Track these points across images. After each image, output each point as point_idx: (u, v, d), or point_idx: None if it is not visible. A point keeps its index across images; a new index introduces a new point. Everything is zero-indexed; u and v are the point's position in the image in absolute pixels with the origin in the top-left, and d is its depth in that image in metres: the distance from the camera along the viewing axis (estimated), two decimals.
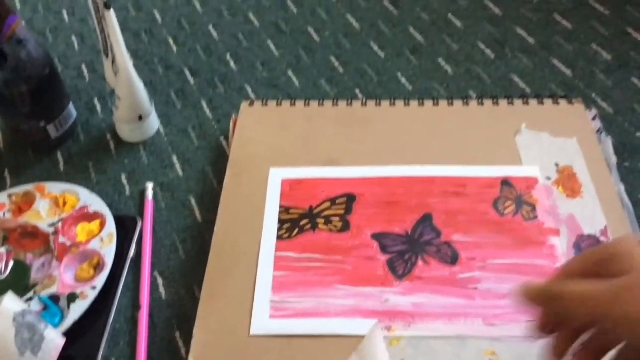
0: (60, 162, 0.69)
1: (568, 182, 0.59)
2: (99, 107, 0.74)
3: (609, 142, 0.63)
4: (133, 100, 0.65)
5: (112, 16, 0.58)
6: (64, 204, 0.62)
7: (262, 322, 0.52)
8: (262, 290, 0.55)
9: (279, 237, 0.58)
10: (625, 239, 0.37)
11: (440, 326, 0.51)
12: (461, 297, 0.53)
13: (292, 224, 0.59)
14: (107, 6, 0.57)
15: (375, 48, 0.79)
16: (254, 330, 0.52)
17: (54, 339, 0.50)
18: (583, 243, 0.55)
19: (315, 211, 0.60)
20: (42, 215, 0.61)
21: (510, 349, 0.50)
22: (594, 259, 0.38)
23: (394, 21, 0.82)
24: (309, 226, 0.59)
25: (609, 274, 0.35)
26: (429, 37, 0.80)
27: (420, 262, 0.55)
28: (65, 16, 0.87)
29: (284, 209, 0.60)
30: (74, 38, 0.83)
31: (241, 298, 0.54)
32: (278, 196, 0.61)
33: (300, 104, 0.69)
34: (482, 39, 0.79)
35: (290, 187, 0.62)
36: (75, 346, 0.53)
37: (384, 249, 0.57)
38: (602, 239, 0.55)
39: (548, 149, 0.62)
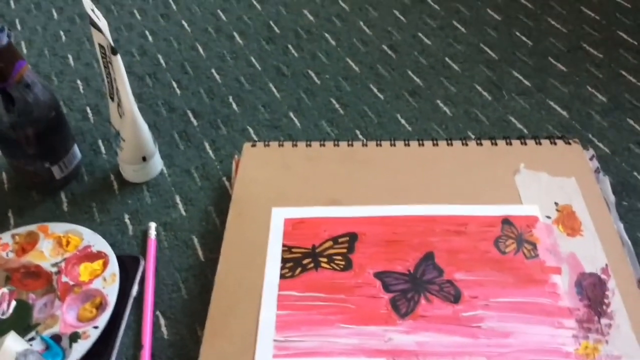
0: (63, 202, 0.69)
1: (568, 220, 0.60)
2: (103, 149, 0.75)
3: (606, 181, 0.64)
4: (137, 142, 0.66)
5: (118, 61, 0.60)
6: (67, 243, 0.62)
7: None
8: (265, 329, 0.54)
9: (282, 276, 0.58)
10: None
11: None
12: (465, 336, 0.53)
13: (294, 262, 0.59)
14: (113, 52, 0.59)
15: (375, 90, 0.80)
16: None
17: None
18: (584, 281, 0.55)
19: (318, 250, 0.60)
20: (45, 255, 0.61)
21: None
22: None
23: (393, 65, 0.84)
24: (311, 265, 0.59)
25: None
26: (427, 80, 0.81)
27: (423, 301, 0.55)
28: (71, 60, 0.89)
29: (287, 248, 0.60)
30: (78, 81, 0.85)
31: (244, 337, 0.54)
32: (281, 235, 0.62)
33: (301, 144, 0.70)
34: (479, 81, 0.81)
35: (292, 226, 0.62)
36: None
37: (386, 287, 0.57)
38: (603, 277, 0.55)
39: (547, 188, 0.63)
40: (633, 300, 0.54)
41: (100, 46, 0.61)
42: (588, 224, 0.59)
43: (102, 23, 0.58)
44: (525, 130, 0.73)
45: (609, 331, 0.52)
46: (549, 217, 0.60)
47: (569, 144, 0.68)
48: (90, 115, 0.80)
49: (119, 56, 0.59)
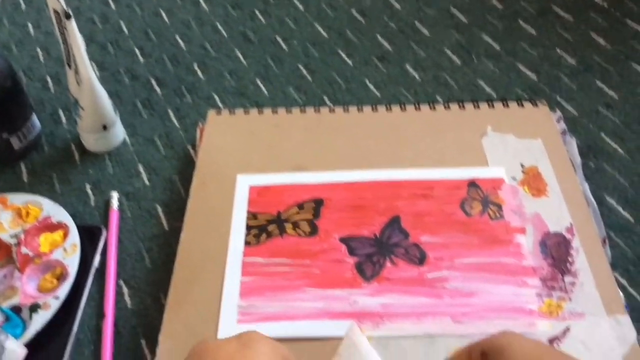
0: (23, 173, 0.67)
1: (533, 181, 0.60)
2: (63, 119, 0.73)
3: (573, 143, 0.64)
4: (96, 110, 0.64)
5: (73, 26, 0.58)
6: (27, 214, 0.61)
7: (230, 327, 0.52)
8: (229, 295, 0.54)
9: (247, 243, 0.58)
10: (505, 335, 0.39)
11: (408, 325, 0.51)
12: (429, 296, 0.53)
13: (259, 229, 0.59)
14: (67, 16, 0.57)
15: (344, 56, 0.79)
16: (221, 335, 0.51)
17: (15, 349, 0.49)
18: (549, 240, 0.55)
19: (283, 216, 0.59)
20: (4, 227, 0.59)
21: None
22: (478, 351, 0.39)
23: (362, 30, 0.83)
24: (276, 231, 0.58)
25: None
26: (397, 44, 0.80)
27: (388, 264, 0.55)
28: (31, 29, 0.86)
29: (252, 215, 0.60)
30: (38, 50, 0.82)
31: (208, 304, 0.53)
32: (245, 202, 0.61)
33: (268, 111, 0.69)
34: (448, 45, 0.80)
35: (257, 193, 0.61)
36: (38, 357, 0.51)
37: (352, 251, 0.56)
38: (568, 236, 0.55)
39: (513, 150, 0.63)
40: (597, 258, 0.54)
41: (55, 12, 0.59)
42: (553, 185, 0.59)
43: None
44: (494, 94, 0.72)
45: (572, 289, 0.52)
46: (514, 179, 0.60)
47: (537, 106, 0.67)
48: (50, 84, 0.77)
49: (73, 21, 0.57)
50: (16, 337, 0.51)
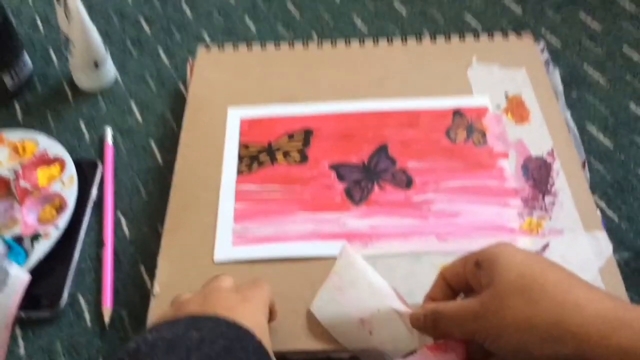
0: (17, 111, 0.68)
1: (517, 109, 0.62)
2: (55, 59, 0.74)
3: (556, 72, 0.65)
4: (87, 45, 0.65)
5: None
6: (23, 150, 0.62)
7: (225, 249, 0.54)
8: (224, 220, 0.56)
9: (239, 172, 0.59)
10: (498, 245, 0.41)
11: (396, 244, 0.53)
12: (416, 217, 0.55)
13: (251, 159, 0.60)
14: None
15: None
16: (217, 257, 0.53)
17: (19, 275, 0.51)
18: (530, 164, 0.57)
19: (274, 146, 0.61)
20: (1, 162, 0.61)
21: None
22: (472, 261, 0.41)
23: None
24: (268, 160, 0.60)
25: (481, 279, 0.40)
26: None
27: (376, 188, 0.57)
28: None
29: (243, 146, 0.61)
30: None
31: (204, 229, 0.55)
32: (237, 134, 0.62)
33: (256, 47, 0.70)
34: None
35: (248, 125, 0.63)
36: (41, 285, 0.53)
37: (341, 177, 0.58)
38: (549, 159, 0.57)
39: (498, 79, 0.64)
40: (577, 180, 0.56)
41: None
42: (536, 112, 0.61)
43: None
44: (480, 28, 0.73)
45: (552, 208, 0.54)
46: (498, 107, 0.62)
47: (521, 37, 0.68)
48: (40, 25, 0.78)
49: None
50: (19, 265, 0.53)
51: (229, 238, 0.54)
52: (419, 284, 0.49)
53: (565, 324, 0.36)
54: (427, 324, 0.42)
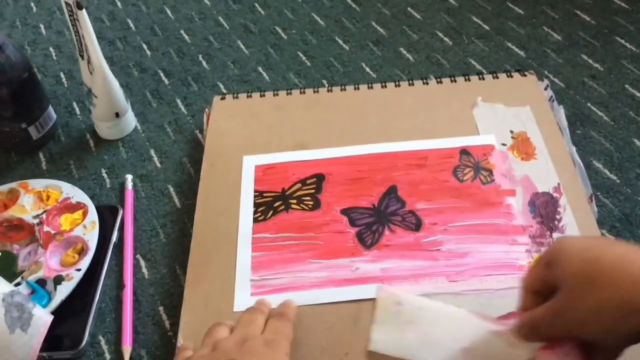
0: (42, 161, 0.72)
1: (522, 146, 0.63)
2: (77, 111, 0.77)
3: (560, 109, 0.67)
4: (109, 97, 0.68)
5: (84, 16, 0.62)
6: (47, 197, 0.65)
7: (244, 300, 0.55)
8: (242, 271, 0.57)
9: (255, 220, 0.61)
10: (559, 241, 0.43)
11: (406, 287, 0.54)
12: (426, 259, 0.56)
13: (266, 206, 0.62)
14: (79, 7, 0.61)
15: (340, 42, 0.83)
16: (237, 307, 0.55)
17: (42, 316, 0.53)
18: (537, 200, 0.59)
19: (288, 192, 0.63)
20: (26, 209, 0.63)
21: (473, 301, 0.53)
22: (542, 264, 0.44)
23: (357, 17, 0.87)
24: (282, 207, 0.62)
25: (554, 277, 0.42)
26: (391, 29, 0.84)
27: (386, 232, 0.59)
28: (43, 29, 0.90)
29: (259, 193, 0.63)
30: (51, 49, 0.87)
31: (224, 280, 0.57)
32: (252, 181, 0.64)
33: (269, 94, 0.73)
34: (440, 28, 0.83)
35: (263, 172, 0.65)
36: (63, 325, 0.55)
37: (352, 222, 0.60)
38: (555, 195, 0.59)
39: (503, 117, 0.66)
40: (583, 214, 0.57)
41: (67, 4, 0.63)
42: (542, 148, 0.63)
43: None
44: (484, 71, 0.76)
45: None
46: (504, 145, 0.64)
47: (525, 75, 0.71)
48: (64, 79, 0.82)
49: (84, 12, 0.61)
50: (42, 307, 0.55)
51: (247, 288, 0.56)
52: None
53: (629, 302, 0.37)
54: (529, 333, 0.44)
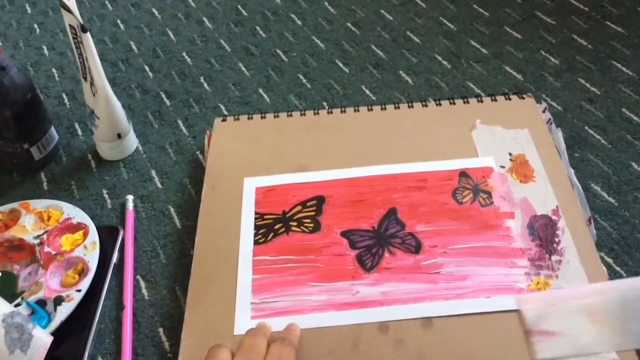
0: (43, 182, 0.72)
1: (521, 168, 0.64)
2: (79, 131, 0.78)
3: (559, 132, 0.68)
4: (111, 118, 0.69)
5: (88, 39, 0.63)
6: (48, 218, 0.65)
7: (245, 323, 0.55)
8: (242, 293, 0.57)
9: (256, 242, 0.61)
10: None
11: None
12: (425, 282, 0.56)
13: (267, 228, 0.62)
14: (83, 30, 0.62)
15: (340, 65, 0.84)
16: (237, 331, 0.55)
17: (42, 337, 0.53)
18: (536, 222, 0.59)
19: (288, 215, 0.63)
20: (27, 229, 0.64)
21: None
22: None
23: (357, 40, 0.88)
24: (282, 229, 0.62)
25: None
26: (390, 52, 0.85)
27: (386, 254, 0.59)
28: (45, 51, 0.91)
29: (259, 215, 0.63)
30: (54, 70, 0.88)
31: (224, 302, 0.57)
32: (253, 204, 0.65)
33: (270, 116, 0.74)
34: (439, 52, 0.84)
35: (263, 194, 0.65)
36: (63, 346, 0.55)
37: (352, 245, 0.60)
38: (554, 217, 0.59)
39: (501, 140, 0.67)
40: (582, 237, 0.58)
41: (71, 27, 0.63)
42: (540, 171, 0.63)
43: (71, 3, 0.61)
44: (482, 94, 0.77)
45: (559, 267, 0.56)
46: (503, 167, 0.64)
47: (523, 98, 0.72)
48: (66, 100, 0.82)
49: (89, 34, 0.62)
50: (42, 328, 0.55)
51: (248, 311, 0.56)
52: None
53: None
54: None
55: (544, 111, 0.70)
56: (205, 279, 0.59)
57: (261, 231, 0.62)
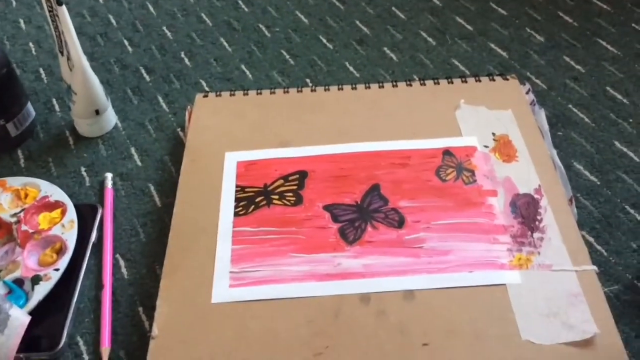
0: (20, 159, 0.70)
1: (504, 148, 0.64)
2: (57, 107, 0.76)
3: (542, 112, 0.68)
4: (89, 94, 0.67)
5: (64, 12, 0.61)
6: (25, 196, 0.64)
7: (223, 291, 0.55)
8: (221, 262, 0.57)
9: (236, 214, 0.61)
10: None
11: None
12: (408, 256, 0.56)
13: (248, 201, 0.62)
14: (59, 3, 0.60)
15: (324, 40, 0.83)
16: (215, 299, 0.54)
17: (19, 317, 0.52)
18: (518, 201, 0.59)
19: (270, 188, 0.63)
20: (4, 207, 0.62)
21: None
22: None
23: (341, 15, 0.86)
24: (264, 202, 0.62)
25: None
26: (375, 28, 0.84)
27: (369, 228, 0.59)
28: (22, 24, 0.89)
29: (240, 188, 0.63)
30: (30, 44, 0.85)
31: (202, 271, 0.56)
32: (234, 177, 0.64)
33: (252, 93, 0.73)
34: (424, 28, 0.83)
35: (245, 168, 0.65)
36: (41, 326, 0.54)
37: (335, 218, 0.60)
38: (536, 196, 0.59)
39: (485, 120, 0.66)
40: (564, 215, 0.58)
41: (47, 0, 0.61)
42: (523, 151, 0.63)
43: None
44: (467, 72, 0.76)
45: (541, 244, 0.56)
46: (486, 147, 0.64)
47: (507, 79, 0.71)
48: (43, 75, 0.81)
49: (64, 7, 0.60)
50: (19, 307, 0.54)
51: (226, 280, 0.56)
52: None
53: None
54: None
55: (527, 92, 0.70)
56: (183, 248, 0.58)
57: (242, 203, 0.62)
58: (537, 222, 0.57)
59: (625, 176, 0.64)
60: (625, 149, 0.66)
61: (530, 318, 0.51)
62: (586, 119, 0.70)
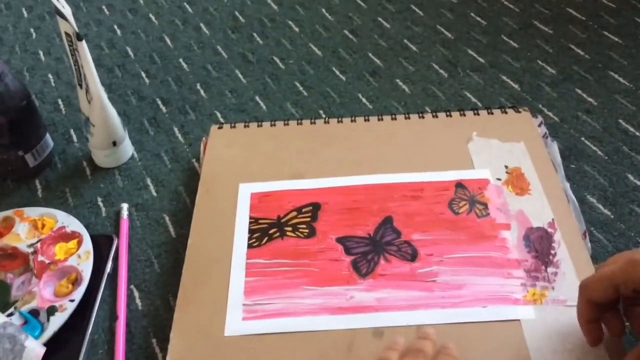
0: (38, 189, 0.72)
1: (517, 181, 0.64)
2: (75, 138, 0.77)
3: (554, 145, 0.68)
4: (106, 126, 0.69)
5: (84, 47, 0.62)
6: (43, 226, 0.64)
7: (236, 324, 0.55)
8: (234, 295, 0.57)
9: (250, 246, 0.61)
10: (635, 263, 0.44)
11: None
12: (421, 290, 0.56)
13: (261, 233, 0.62)
14: (79, 38, 0.61)
15: (337, 72, 0.84)
16: (228, 332, 0.55)
17: (35, 348, 0.52)
18: (532, 235, 0.59)
19: (283, 220, 0.63)
20: (21, 237, 0.63)
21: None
22: (629, 289, 0.45)
23: (354, 48, 0.88)
24: (277, 234, 0.62)
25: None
26: (387, 60, 0.85)
27: (382, 261, 0.59)
28: (42, 56, 0.91)
29: (254, 220, 0.63)
30: (50, 75, 0.87)
31: (215, 303, 0.57)
32: (247, 208, 0.65)
33: (266, 124, 0.74)
34: (435, 60, 0.84)
35: (258, 199, 0.65)
36: (56, 357, 0.54)
37: (348, 251, 0.60)
38: (550, 230, 0.59)
39: (497, 153, 0.67)
40: (578, 250, 0.58)
41: (67, 34, 0.63)
42: (536, 184, 0.63)
43: (67, 10, 0.60)
44: (479, 104, 0.77)
45: (555, 278, 0.55)
46: (499, 179, 0.64)
47: (519, 112, 0.71)
48: (61, 106, 0.82)
49: (84, 42, 0.62)
50: (35, 338, 0.54)
51: (239, 313, 0.56)
52: None
53: None
54: None
55: (539, 125, 0.70)
56: (197, 280, 0.59)
57: (255, 235, 0.62)
58: (551, 257, 0.57)
59: (639, 209, 0.64)
60: (638, 182, 0.66)
61: (545, 354, 0.51)
62: (599, 152, 0.70)
